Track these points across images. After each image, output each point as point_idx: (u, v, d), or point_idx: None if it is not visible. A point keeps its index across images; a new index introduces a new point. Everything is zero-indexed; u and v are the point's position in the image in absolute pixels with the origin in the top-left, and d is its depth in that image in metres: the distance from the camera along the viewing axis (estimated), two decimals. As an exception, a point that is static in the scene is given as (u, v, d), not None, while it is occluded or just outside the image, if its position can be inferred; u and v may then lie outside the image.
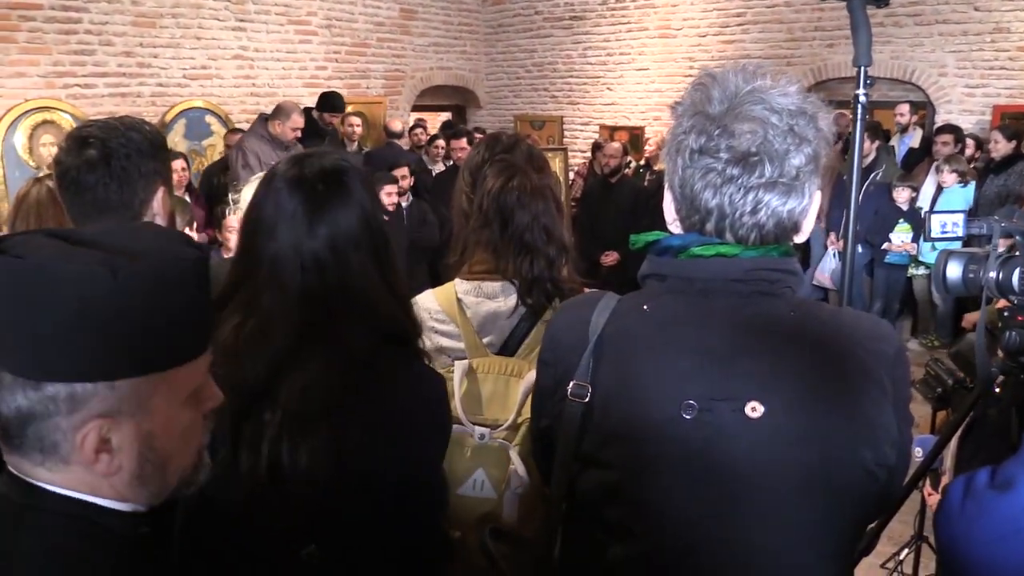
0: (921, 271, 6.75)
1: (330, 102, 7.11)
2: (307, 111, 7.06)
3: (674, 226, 1.17)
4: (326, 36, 8.78)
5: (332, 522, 1.22)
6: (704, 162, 1.07)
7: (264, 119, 6.11)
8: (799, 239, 1.13)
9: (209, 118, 7.62)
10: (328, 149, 1.40)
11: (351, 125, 7.70)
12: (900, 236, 6.64)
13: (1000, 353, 1.92)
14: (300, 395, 1.20)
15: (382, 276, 1.32)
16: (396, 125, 8.28)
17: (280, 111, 6.10)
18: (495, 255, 1.73)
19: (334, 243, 1.27)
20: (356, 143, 7.75)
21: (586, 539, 1.18)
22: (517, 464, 1.60)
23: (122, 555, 0.88)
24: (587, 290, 1.76)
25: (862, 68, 1.89)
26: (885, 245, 6.67)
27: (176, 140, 7.29)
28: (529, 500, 1.64)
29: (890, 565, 3.45)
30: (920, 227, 6.58)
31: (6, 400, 0.83)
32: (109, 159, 1.57)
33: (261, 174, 2.37)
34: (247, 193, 1.55)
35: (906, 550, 3.38)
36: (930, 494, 3.03)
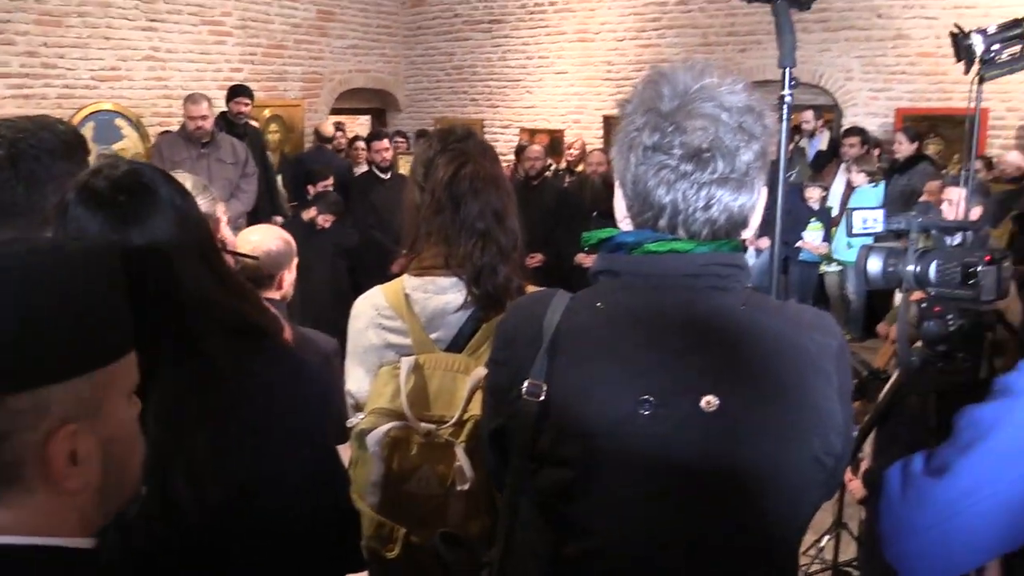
0: (832, 268, 6.99)
1: (233, 91, 6.83)
2: (223, 114, 6.86)
3: (625, 223, 1.17)
4: (241, 37, 8.57)
5: (236, 543, 1.17)
6: (658, 159, 1.07)
7: None
8: (747, 234, 1.15)
9: (119, 121, 7.35)
10: (119, 159, 1.29)
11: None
12: (812, 235, 6.87)
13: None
14: (157, 417, 1.12)
15: (212, 272, 1.25)
16: (328, 129, 8.16)
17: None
18: (447, 243, 1.71)
19: (152, 253, 1.18)
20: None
21: (537, 539, 1.17)
22: (463, 461, 1.59)
23: None
24: (531, 288, 1.77)
25: (787, 69, 1.94)
26: (798, 244, 6.90)
27: (84, 144, 7.01)
28: (474, 497, 1.63)
29: (812, 552, 3.56)
30: (830, 226, 6.84)
31: None
32: (16, 160, 1.50)
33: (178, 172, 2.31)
34: None
35: (827, 537, 3.49)
36: (851, 479, 3.14)
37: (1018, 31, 3.11)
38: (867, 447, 2.96)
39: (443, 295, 1.72)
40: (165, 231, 1.20)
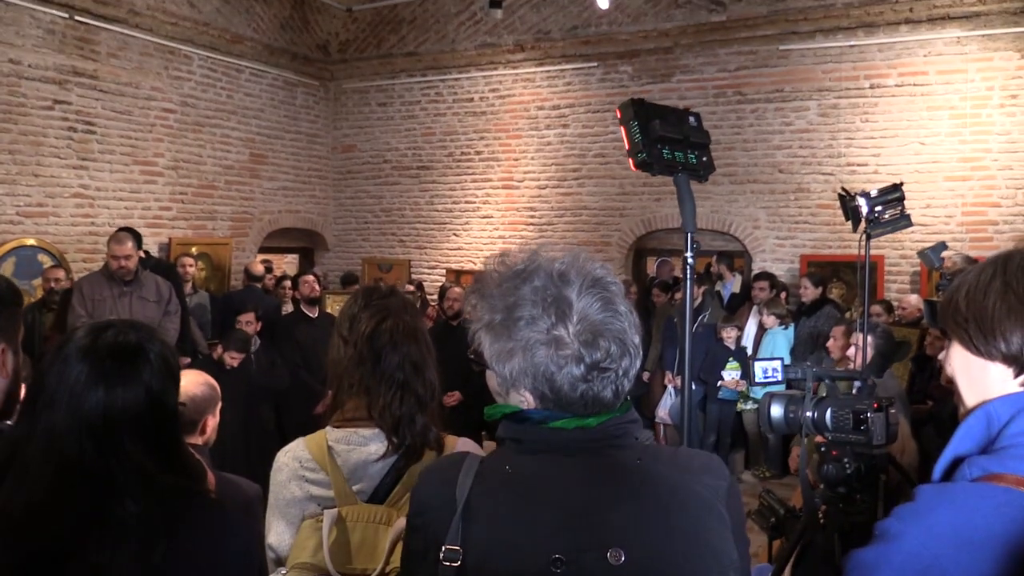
0: (750, 406, 7.22)
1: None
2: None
3: (515, 399, 1.24)
4: (172, 177, 8.70)
5: None
6: (572, 361, 1.16)
7: None
8: None
9: (42, 256, 7.28)
10: (137, 324, 1.45)
11: (184, 266, 7.54)
12: (731, 373, 7.13)
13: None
14: None
15: (161, 461, 1.34)
16: (257, 268, 8.27)
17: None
18: (367, 394, 1.79)
19: (109, 421, 1.30)
20: (189, 283, 7.57)
21: None
22: None
23: None
24: (448, 437, 1.84)
25: (689, 234, 2.15)
26: (720, 383, 7.14)
27: (3, 280, 6.88)
28: None
29: None
30: (747, 364, 7.11)
31: None
32: None
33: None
34: None
35: None
36: (770, 622, 3.18)
37: (896, 195, 3.46)
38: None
39: (366, 446, 1.77)
40: (128, 407, 1.32)
